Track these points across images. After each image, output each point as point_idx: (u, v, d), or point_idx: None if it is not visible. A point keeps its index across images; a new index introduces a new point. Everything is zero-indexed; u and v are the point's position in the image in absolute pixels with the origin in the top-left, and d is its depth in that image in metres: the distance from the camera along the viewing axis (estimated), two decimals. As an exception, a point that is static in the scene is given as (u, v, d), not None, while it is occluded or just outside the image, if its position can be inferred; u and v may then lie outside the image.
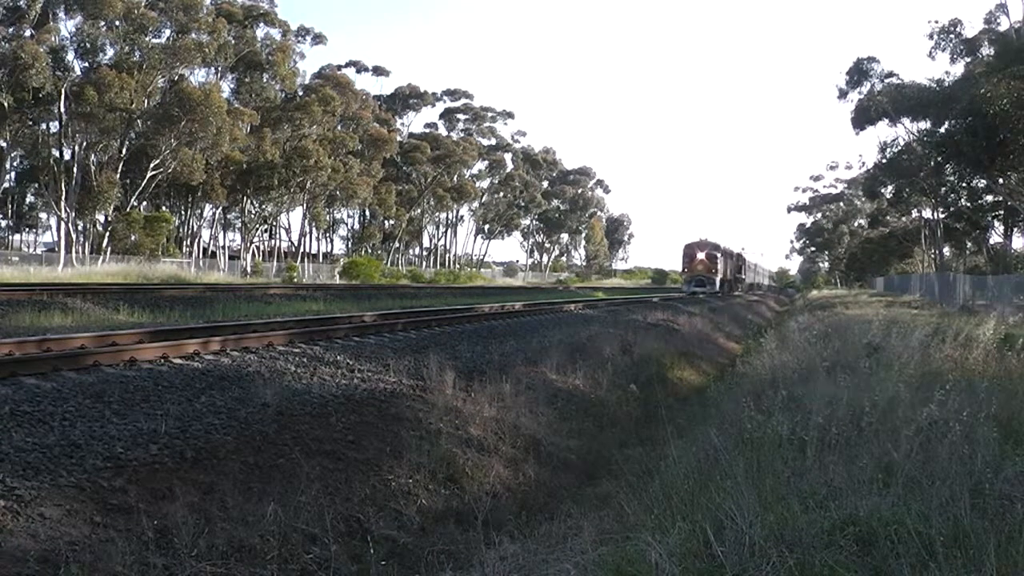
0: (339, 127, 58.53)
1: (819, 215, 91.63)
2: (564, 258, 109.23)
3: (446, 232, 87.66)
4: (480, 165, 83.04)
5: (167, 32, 46.84)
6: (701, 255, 49.42)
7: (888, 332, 12.13)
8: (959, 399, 6.21)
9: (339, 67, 67.74)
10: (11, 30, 40.70)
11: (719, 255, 50.16)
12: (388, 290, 34.76)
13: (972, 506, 4.34)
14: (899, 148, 38.31)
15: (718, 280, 49.03)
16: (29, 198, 61.14)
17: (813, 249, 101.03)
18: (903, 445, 5.45)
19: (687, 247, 51.50)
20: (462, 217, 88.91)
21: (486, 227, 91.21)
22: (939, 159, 32.45)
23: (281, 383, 8.35)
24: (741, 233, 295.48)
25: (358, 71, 71.46)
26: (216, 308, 18.13)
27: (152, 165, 45.75)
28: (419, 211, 76.67)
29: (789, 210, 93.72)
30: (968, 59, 33.21)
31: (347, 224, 77.55)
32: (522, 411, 9.85)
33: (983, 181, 34.90)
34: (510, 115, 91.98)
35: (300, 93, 56.08)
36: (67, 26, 44.53)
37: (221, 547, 4.97)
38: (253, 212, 57.00)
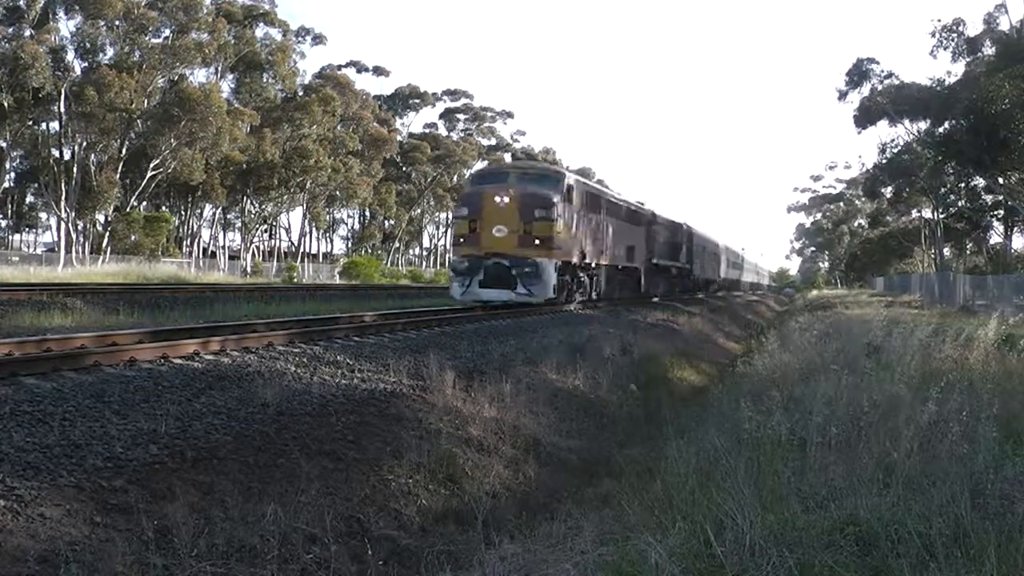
0: (339, 127, 58.53)
1: (819, 215, 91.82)
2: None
3: (446, 232, 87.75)
4: (480, 165, 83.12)
5: (167, 32, 46.90)
6: (502, 199, 19.29)
7: (888, 332, 12.13)
8: (959, 399, 6.22)
9: (339, 67, 67.80)
10: (11, 30, 40.75)
11: (560, 203, 19.69)
12: (388, 290, 34.75)
13: (972, 506, 4.34)
14: (899, 148, 38.38)
15: (551, 269, 19.14)
16: (29, 198, 61.19)
17: (813, 249, 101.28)
18: (903, 445, 5.45)
19: (473, 180, 23.86)
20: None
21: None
22: (939, 159, 32.49)
23: (281, 383, 8.34)
24: (741, 232, 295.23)
25: (358, 71, 71.49)
26: (216, 308, 18.12)
27: (152, 165, 45.80)
28: (419, 211, 76.69)
29: (789, 210, 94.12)
30: (969, 58, 33.27)
31: (347, 224, 77.68)
32: (522, 411, 9.84)
33: (983, 181, 34.94)
34: (510, 115, 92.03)
35: (300, 93, 56.10)
36: (67, 26, 44.67)
37: (221, 547, 4.97)
38: (253, 212, 57.05)
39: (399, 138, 69.44)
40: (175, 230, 54.21)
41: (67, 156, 45.53)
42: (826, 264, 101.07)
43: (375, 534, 5.94)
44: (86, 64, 44.63)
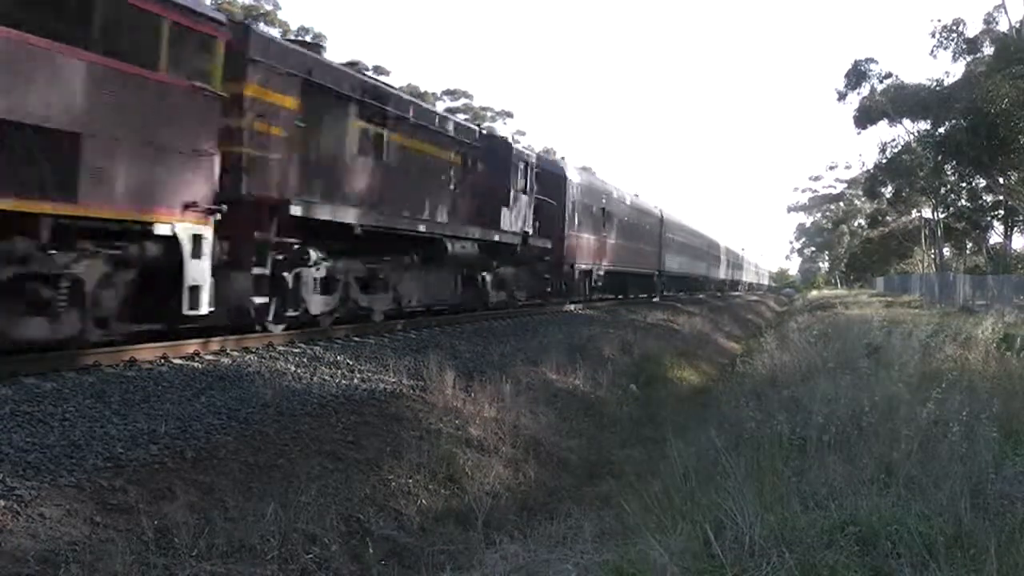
0: (339, 127, 58.43)
1: (819, 215, 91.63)
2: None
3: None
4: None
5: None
6: None
7: (888, 332, 12.14)
8: (959, 399, 6.22)
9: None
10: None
11: None
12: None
13: (972, 506, 4.35)
14: (899, 148, 38.34)
15: None
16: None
17: (813, 249, 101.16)
18: (903, 445, 5.46)
19: None
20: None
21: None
22: (939, 159, 32.47)
23: (281, 383, 8.34)
24: (741, 232, 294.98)
25: (358, 70, 71.47)
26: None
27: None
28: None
29: (789, 210, 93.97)
30: (969, 58, 33.24)
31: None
32: (522, 411, 9.84)
33: (983, 181, 34.91)
34: (509, 115, 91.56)
35: (300, 93, 56.14)
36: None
37: (221, 547, 4.97)
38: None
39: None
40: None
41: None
42: (826, 264, 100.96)
43: (375, 534, 5.94)
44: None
